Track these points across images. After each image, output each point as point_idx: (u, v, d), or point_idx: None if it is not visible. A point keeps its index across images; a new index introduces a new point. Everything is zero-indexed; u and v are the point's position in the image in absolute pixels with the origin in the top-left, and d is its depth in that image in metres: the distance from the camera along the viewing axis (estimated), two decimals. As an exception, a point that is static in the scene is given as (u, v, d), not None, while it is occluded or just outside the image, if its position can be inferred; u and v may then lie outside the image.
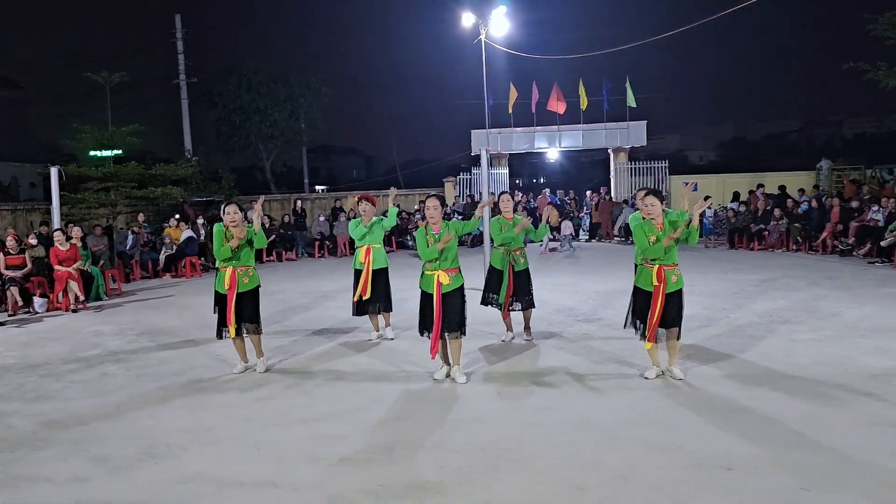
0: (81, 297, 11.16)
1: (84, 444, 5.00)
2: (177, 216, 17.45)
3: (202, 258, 16.25)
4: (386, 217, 8.22)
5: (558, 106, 23.35)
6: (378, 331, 8.07)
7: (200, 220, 17.35)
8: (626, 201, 21.41)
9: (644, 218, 6.12)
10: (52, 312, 10.97)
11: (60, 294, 11.09)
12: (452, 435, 4.94)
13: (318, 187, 39.79)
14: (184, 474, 4.41)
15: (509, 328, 7.79)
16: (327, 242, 19.31)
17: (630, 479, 4.11)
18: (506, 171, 25.02)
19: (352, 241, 18.72)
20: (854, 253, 14.53)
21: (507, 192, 7.84)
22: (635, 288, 6.15)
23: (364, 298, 7.65)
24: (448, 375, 6.34)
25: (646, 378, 6.07)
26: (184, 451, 4.83)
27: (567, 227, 18.91)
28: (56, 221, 12.57)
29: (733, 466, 4.21)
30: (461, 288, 6.25)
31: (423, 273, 6.28)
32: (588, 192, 23.19)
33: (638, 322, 6.10)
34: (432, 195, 6.37)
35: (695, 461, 4.32)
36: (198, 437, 5.06)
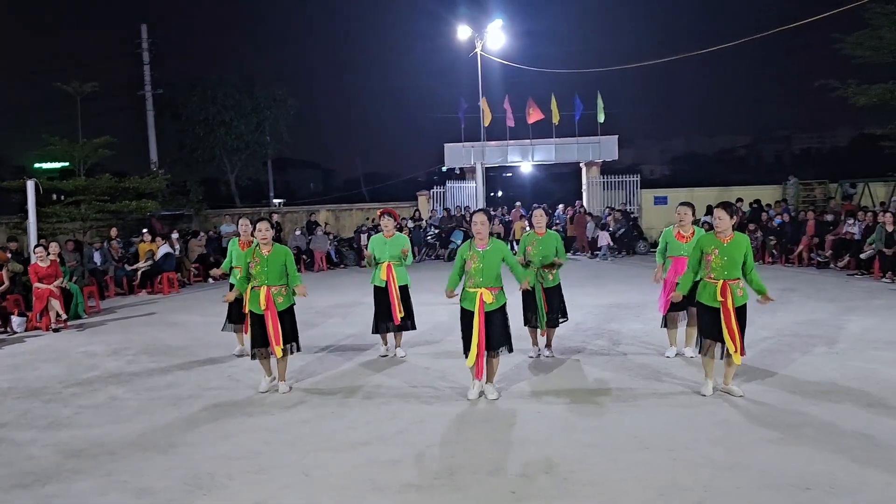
0: (63, 316, 10.63)
1: (119, 476, 4.68)
2: (144, 230, 16.89)
3: (179, 273, 15.75)
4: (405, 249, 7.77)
5: (533, 116, 23.43)
6: (386, 344, 7.90)
7: (175, 235, 16.81)
8: (590, 214, 21.56)
9: (705, 231, 6.12)
10: (32, 332, 10.39)
11: (40, 313, 10.54)
12: (510, 457, 4.79)
13: (275, 200, 39.12)
14: (241, 507, 4.15)
15: (535, 343, 7.67)
16: (304, 257, 18.91)
17: (711, 503, 4.01)
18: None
19: (329, 256, 18.83)
20: (831, 265, 14.89)
21: (540, 207, 7.69)
22: (698, 304, 6.09)
23: (401, 316, 7.49)
24: (481, 394, 6.17)
25: (703, 395, 5.95)
26: (230, 480, 4.55)
27: (604, 238, 19.22)
28: (32, 236, 12.00)
29: (811, 486, 4.15)
30: (504, 306, 6.10)
31: (464, 289, 6.10)
32: (561, 206, 23.20)
33: (708, 341, 5.97)
34: (479, 210, 6.14)
35: (770, 481, 4.24)
36: (241, 466, 4.79)
